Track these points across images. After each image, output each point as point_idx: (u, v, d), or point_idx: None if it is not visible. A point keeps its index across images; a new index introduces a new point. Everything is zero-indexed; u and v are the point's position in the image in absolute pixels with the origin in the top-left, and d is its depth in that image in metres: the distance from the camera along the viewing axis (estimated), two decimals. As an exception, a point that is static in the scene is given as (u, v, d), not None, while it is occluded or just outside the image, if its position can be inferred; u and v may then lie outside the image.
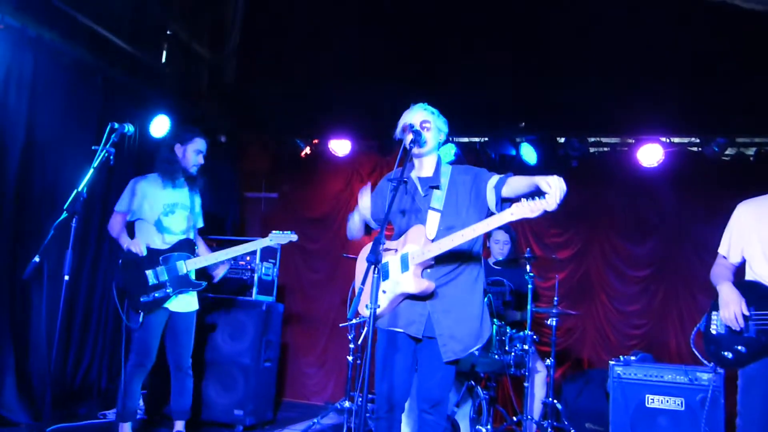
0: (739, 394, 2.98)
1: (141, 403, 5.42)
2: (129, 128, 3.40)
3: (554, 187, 2.69)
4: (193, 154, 4.44)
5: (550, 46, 6.11)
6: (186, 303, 4.39)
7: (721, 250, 3.18)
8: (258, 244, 4.49)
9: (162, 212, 4.39)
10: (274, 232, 4.48)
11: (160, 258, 4.29)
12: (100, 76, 5.26)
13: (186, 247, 4.39)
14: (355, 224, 3.48)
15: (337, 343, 7.12)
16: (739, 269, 3.14)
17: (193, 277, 4.38)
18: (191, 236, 4.48)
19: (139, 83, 5.65)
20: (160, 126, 5.67)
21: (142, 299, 4.20)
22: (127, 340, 4.25)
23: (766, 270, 2.94)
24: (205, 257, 4.40)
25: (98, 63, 5.18)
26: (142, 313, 4.20)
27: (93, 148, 3.24)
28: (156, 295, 4.22)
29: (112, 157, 3.25)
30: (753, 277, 2.99)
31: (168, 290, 4.25)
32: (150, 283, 4.23)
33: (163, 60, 6.00)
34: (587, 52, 6.00)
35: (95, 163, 3.19)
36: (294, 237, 4.47)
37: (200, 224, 4.67)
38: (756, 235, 3.00)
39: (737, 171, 6.10)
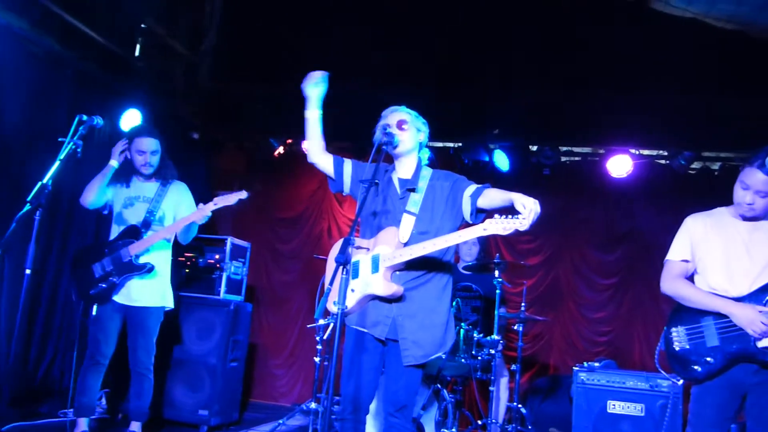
0: (691, 402, 3.00)
1: (104, 401, 5.35)
2: (98, 121, 3.34)
3: (528, 209, 2.74)
4: (136, 155, 4.30)
5: (526, 55, 6.18)
6: (143, 296, 4.25)
7: (677, 256, 3.13)
8: (201, 213, 4.23)
9: (122, 205, 4.33)
10: (219, 194, 4.26)
11: (105, 249, 4.23)
12: (71, 68, 5.18)
13: (130, 234, 4.26)
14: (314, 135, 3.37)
15: (305, 345, 7.10)
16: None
17: (137, 261, 4.22)
18: (152, 224, 4.31)
19: (112, 77, 5.58)
20: (131, 120, 5.61)
21: (91, 292, 4.16)
22: (85, 336, 4.22)
23: (722, 281, 2.98)
24: (144, 240, 4.24)
25: (69, 55, 5.10)
26: (95, 306, 4.16)
27: (60, 139, 3.19)
28: (102, 285, 4.16)
29: (79, 150, 3.20)
30: (706, 289, 3.02)
31: (113, 279, 4.17)
32: (96, 276, 4.18)
33: (137, 54, 5.93)
34: (562, 64, 6.09)
35: (62, 155, 3.13)
36: (243, 194, 4.21)
37: (184, 213, 4.45)
38: (711, 248, 3.04)
39: (702, 184, 6.25)
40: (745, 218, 2.98)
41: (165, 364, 5.30)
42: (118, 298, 4.20)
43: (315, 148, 3.37)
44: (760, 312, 2.82)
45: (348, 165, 3.36)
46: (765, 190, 2.85)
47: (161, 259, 4.36)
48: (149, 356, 4.32)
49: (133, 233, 4.26)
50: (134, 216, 4.32)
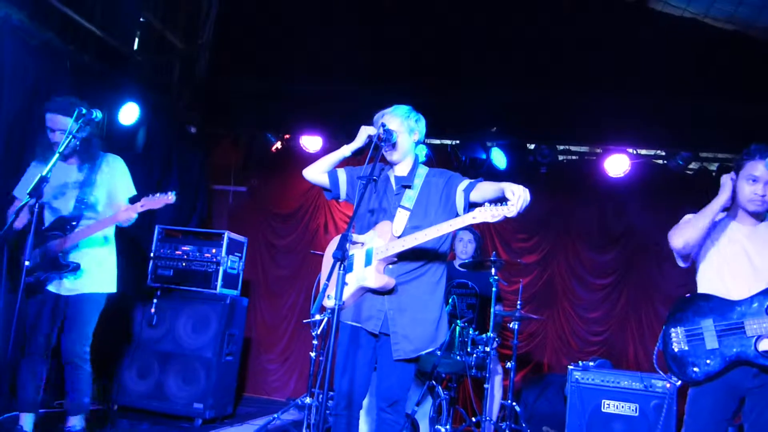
0: (687, 404, 3.00)
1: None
2: (97, 114, 3.33)
3: (517, 195, 2.75)
4: (48, 131, 3.81)
5: (525, 54, 6.19)
6: (80, 284, 3.91)
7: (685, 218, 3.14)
8: (126, 215, 3.80)
9: (53, 194, 3.91)
10: (144, 198, 3.81)
11: (38, 240, 3.83)
12: (69, 61, 5.16)
13: (59, 226, 3.86)
14: (326, 162, 3.38)
15: (300, 340, 7.11)
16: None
17: (64, 258, 3.84)
18: (84, 213, 3.91)
19: (110, 70, 5.56)
20: (129, 113, 5.60)
21: (20, 286, 3.63)
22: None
23: (720, 284, 2.98)
24: (70, 236, 3.83)
25: (68, 47, 5.09)
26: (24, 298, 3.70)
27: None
28: (30, 280, 3.79)
29: (78, 143, 3.18)
30: (707, 291, 3.02)
31: (40, 274, 3.82)
32: (25, 268, 3.66)
33: (135, 48, 5.92)
34: (561, 63, 6.10)
35: (61, 148, 3.13)
36: (171, 198, 3.77)
37: (120, 198, 4.02)
38: (710, 250, 3.04)
39: (700, 185, 6.23)
40: (756, 213, 2.96)
41: (160, 356, 5.33)
42: (51, 288, 3.87)
43: (321, 170, 3.39)
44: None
45: (342, 172, 3.40)
46: None
47: (99, 252, 4.02)
48: (83, 346, 3.96)
49: (62, 226, 3.88)
50: (64, 206, 3.91)
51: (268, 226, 7.46)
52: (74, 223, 3.88)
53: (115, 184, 4.01)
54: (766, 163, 2.86)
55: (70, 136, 3.14)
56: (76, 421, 3.99)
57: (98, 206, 3.98)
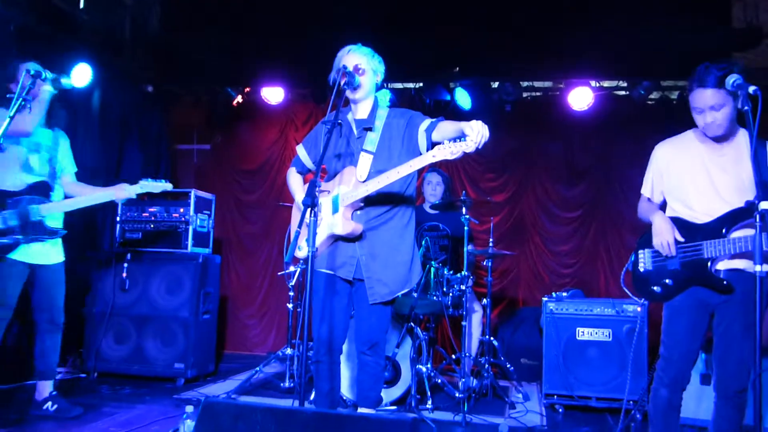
0: (663, 323, 3.10)
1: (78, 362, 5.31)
2: (46, 74, 3.19)
3: (474, 130, 2.74)
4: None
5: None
6: (48, 254, 3.95)
7: (644, 191, 3.27)
8: (126, 192, 3.97)
9: (27, 149, 3.89)
10: (143, 181, 4.00)
11: (9, 201, 3.78)
12: (12, 24, 4.93)
13: (40, 190, 3.86)
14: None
15: (276, 294, 7.13)
16: (662, 208, 3.25)
17: (49, 224, 3.89)
18: (55, 182, 3.98)
19: (57, 32, 5.33)
20: (81, 75, 5.41)
21: None
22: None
23: (683, 209, 3.06)
24: (60, 203, 3.91)
25: (10, 10, 4.86)
26: None
27: (8, 96, 3.05)
28: (3, 241, 3.72)
29: (29, 106, 3.06)
30: (673, 215, 3.11)
31: (18, 236, 3.75)
32: None
33: (81, 7, 5.68)
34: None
35: (11, 112, 3.00)
36: (168, 186, 4.02)
37: (71, 168, 4.19)
38: (674, 174, 3.10)
39: (662, 113, 6.31)
40: (717, 138, 2.99)
41: (136, 320, 5.30)
42: (19, 255, 3.82)
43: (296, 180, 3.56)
44: (674, 228, 2.98)
45: (301, 150, 3.49)
46: (714, 102, 2.85)
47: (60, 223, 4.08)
48: (63, 310, 4.13)
49: (43, 190, 3.88)
50: (41, 167, 3.92)
51: (236, 183, 7.38)
52: (51, 189, 3.92)
53: (66, 159, 4.10)
54: (703, 83, 2.86)
55: (20, 99, 3.01)
56: (53, 386, 4.06)
57: (63, 174, 4.07)
